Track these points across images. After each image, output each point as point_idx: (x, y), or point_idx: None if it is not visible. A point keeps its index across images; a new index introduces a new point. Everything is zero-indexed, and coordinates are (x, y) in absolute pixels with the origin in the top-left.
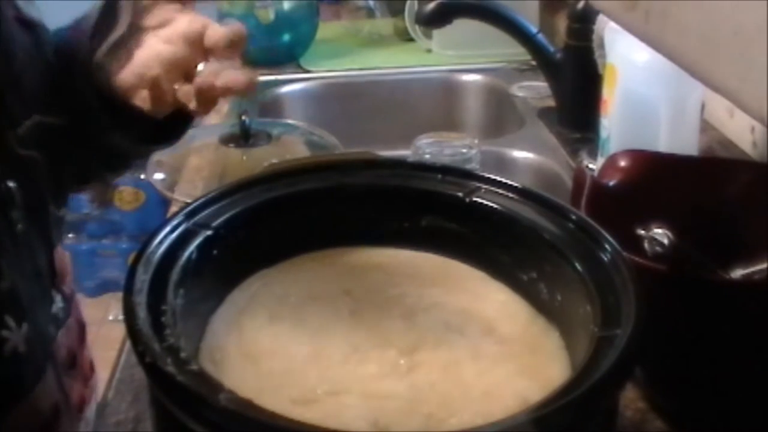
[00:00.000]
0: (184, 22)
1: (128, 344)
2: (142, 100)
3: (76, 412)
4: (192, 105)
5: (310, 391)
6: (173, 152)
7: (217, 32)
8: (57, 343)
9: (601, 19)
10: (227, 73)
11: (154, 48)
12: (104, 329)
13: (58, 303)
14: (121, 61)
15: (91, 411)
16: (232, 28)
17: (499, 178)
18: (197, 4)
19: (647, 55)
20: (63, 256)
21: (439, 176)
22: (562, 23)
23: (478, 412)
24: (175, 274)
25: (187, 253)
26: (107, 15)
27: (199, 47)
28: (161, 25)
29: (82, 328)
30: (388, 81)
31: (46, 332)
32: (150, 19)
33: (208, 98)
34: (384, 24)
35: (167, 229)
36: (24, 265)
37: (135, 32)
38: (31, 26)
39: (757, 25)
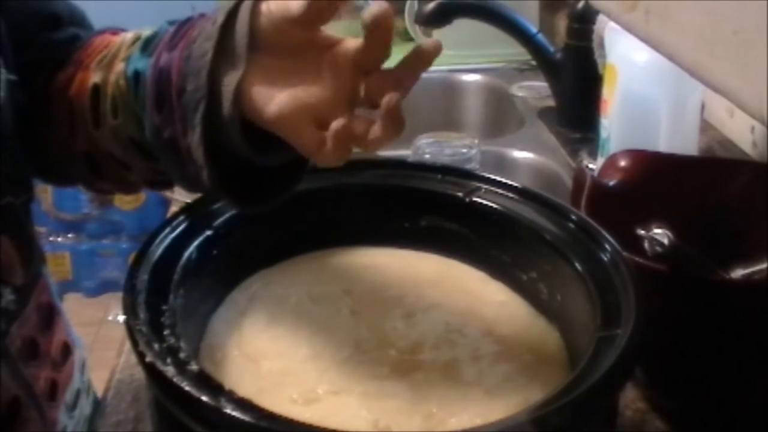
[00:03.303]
0: (350, 44)
1: (128, 344)
2: (298, 134)
3: (46, 401)
4: (329, 147)
5: (310, 391)
6: None
7: (359, 44)
8: (10, 337)
9: (601, 19)
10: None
11: (312, 75)
12: (104, 329)
13: (7, 296)
14: (275, 94)
15: (70, 395)
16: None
17: (499, 178)
18: (196, 4)
19: (647, 55)
20: (4, 244)
21: (439, 176)
22: (562, 23)
23: (478, 412)
24: (175, 274)
25: (187, 253)
26: (225, 49)
27: (354, 69)
28: (306, 49)
29: (50, 311)
30: None
31: None
32: (290, 43)
33: (346, 143)
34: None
35: (167, 229)
36: None
37: (274, 55)
38: None
39: (757, 25)
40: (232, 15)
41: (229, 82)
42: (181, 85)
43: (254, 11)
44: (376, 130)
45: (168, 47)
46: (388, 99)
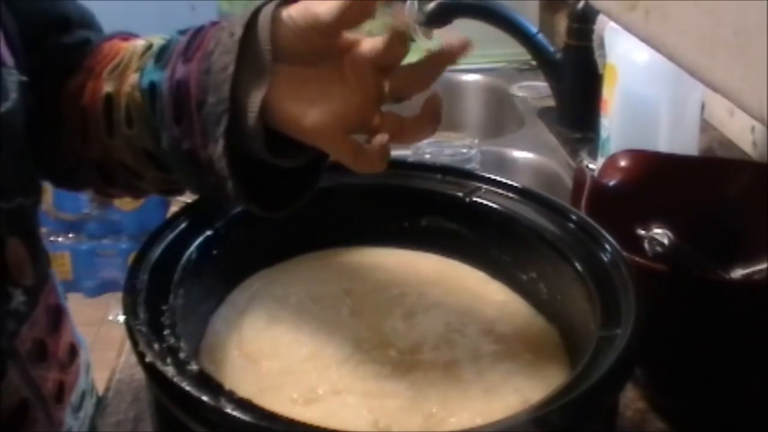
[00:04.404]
0: (367, 45)
1: (128, 344)
2: (334, 144)
3: (53, 402)
4: (371, 156)
5: (310, 391)
6: None
7: (379, 44)
8: (20, 338)
9: (601, 19)
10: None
11: (341, 82)
12: (104, 329)
13: (18, 297)
14: (306, 105)
15: (76, 396)
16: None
17: (499, 178)
18: (196, 4)
19: (647, 55)
20: (15, 245)
21: (439, 176)
22: (562, 23)
23: (478, 412)
24: (175, 274)
25: (187, 253)
26: (250, 63)
27: (377, 70)
28: (331, 56)
29: (57, 312)
30: None
31: (4, 330)
32: (315, 53)
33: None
34: (384, 24)
35: (167, 229)
36: None
37: (301, 64)
38: None
39: (757, 25)
40: (250, 26)
41: (255, 96)
42: (200, 98)
43: (275, 20)
44: (412, 127)
45: (183, 59)
46: (432, 99)
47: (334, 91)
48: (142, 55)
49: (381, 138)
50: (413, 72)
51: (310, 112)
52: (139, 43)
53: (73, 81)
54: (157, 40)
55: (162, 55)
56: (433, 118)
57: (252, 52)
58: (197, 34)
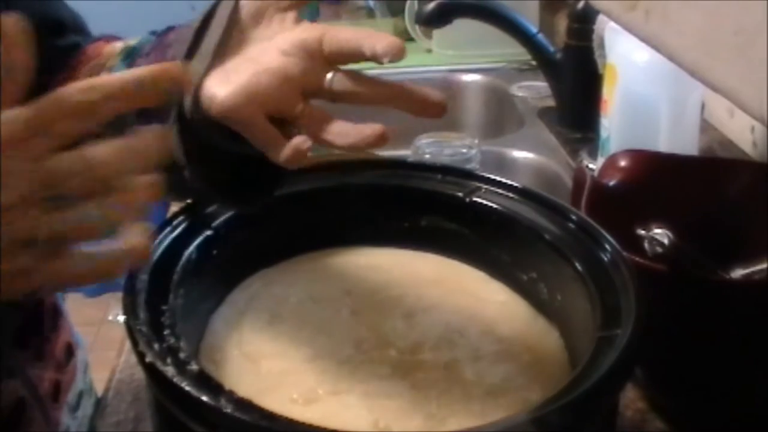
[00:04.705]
0: (299, 30)
1: (128, 344)
2: (250, 126)
3: (49, 401)
4: (287, 154)
5: (310, 391)
6: None
7: (340, 35)
8: None
9: (601, 19)
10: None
11: (268, 61)
12: (104, 329)
13: None
14: (225, 82)
15: (73, 395)
16: (358, 35)
17: (499, 178)
18: (196, 4)
19: (647, 55)
20: None
21: (439, 176)
22: (562, 23)
23: (478, 412)
24: (175, 274)
25: (187, 253)
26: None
27: (320, 58)
28: (271, 36)
29: (55, 312)
30: None
31: None
32: (257, 31)
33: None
34: (384, 24)
35: (167, 229)
36: None
37: (239, 46)
38: None
39: (757, 25)
40: (208, 17)
41: (194, 80)
42: None
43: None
44: (336, 133)
45: (145, 55)
46: (378, 131)
47: (267, 66)
48: (116, 56)
49: (300, 140)
50: (368, 85)
51: (226, 87)
52: (118, 45)
53: (56, 83)
54: (132, 42)
55: (130, 55)
56: (363, 143)
57: (203, 41)
58: (164, 32)
